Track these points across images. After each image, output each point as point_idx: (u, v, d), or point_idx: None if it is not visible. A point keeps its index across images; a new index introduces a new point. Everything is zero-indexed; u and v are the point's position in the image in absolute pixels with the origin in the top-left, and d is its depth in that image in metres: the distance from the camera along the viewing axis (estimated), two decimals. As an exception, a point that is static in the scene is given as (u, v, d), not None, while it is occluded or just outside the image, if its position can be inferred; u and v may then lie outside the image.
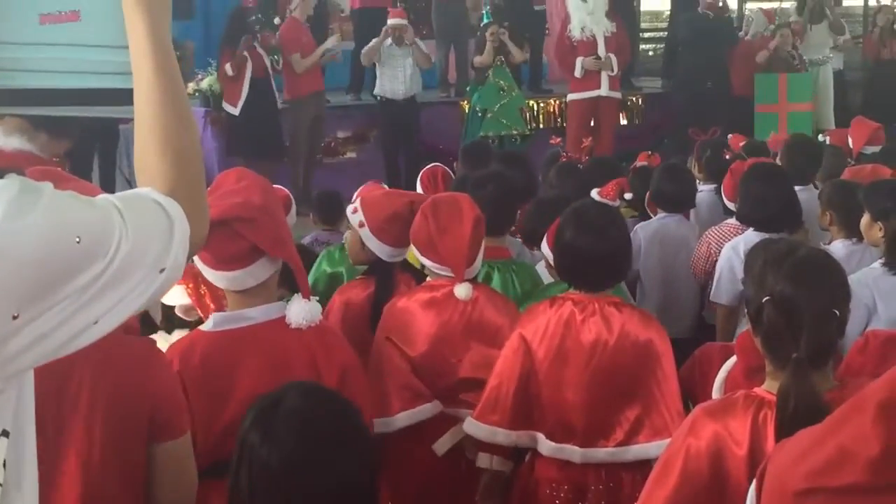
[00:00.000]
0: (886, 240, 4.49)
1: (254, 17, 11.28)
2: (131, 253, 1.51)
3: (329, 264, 5.00)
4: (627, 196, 4.29)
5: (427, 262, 4.03)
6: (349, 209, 4.40)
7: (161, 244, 1.57)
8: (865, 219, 4.66)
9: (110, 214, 1.52)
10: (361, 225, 4.24)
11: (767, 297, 2.61)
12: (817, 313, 2.56)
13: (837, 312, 2.60)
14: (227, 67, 11.04)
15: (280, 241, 3.13)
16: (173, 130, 1.70)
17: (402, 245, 4.21)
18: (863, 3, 19.95)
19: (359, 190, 5.36)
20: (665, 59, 15.04)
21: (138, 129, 1.72)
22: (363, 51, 11.87)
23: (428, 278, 4.11)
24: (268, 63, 11.21)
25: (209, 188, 3.20)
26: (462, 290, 3.88)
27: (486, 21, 12.43)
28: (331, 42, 11.88)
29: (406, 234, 4.10)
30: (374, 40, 11.76)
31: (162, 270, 1.57)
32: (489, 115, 11.79)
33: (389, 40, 11.71)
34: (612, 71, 11.59)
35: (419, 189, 6.28)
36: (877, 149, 7.56)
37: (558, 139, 8.46)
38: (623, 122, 13.30)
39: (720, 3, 12.93)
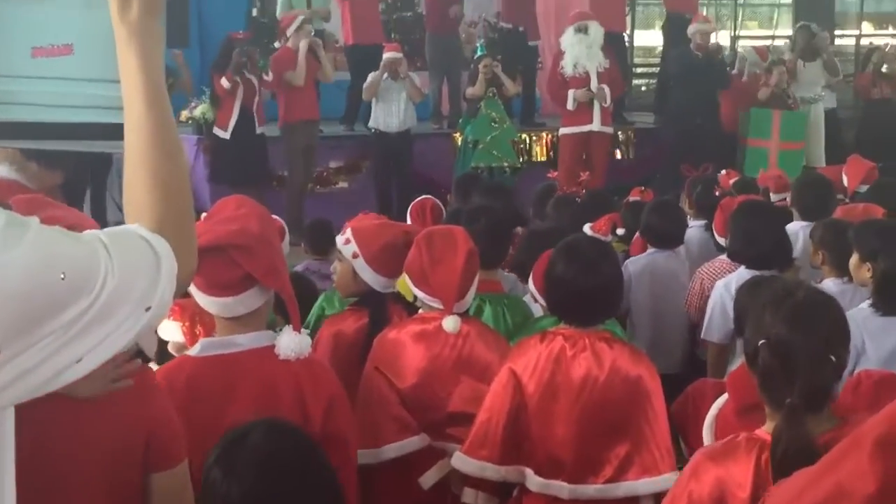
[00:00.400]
0: (875, 280, 4.49)
1: (241, 49, 11.26)
2: (117, 289, 1.50)
3: (329, 308, 4.89)
4: (620, 231, 4.29)
5: (419, 294, 4.01)
6: (340, 240, 4.36)
7: (147, 281, 1.56)
8: (854, 259, 4.67)
9: (96, 250, 1.50)
10: (355, 255, 4.22)
11: (763, 340, 2.60)
12: (812, 358, 2.56)
13: (834, 357, 2.59)
14: (223, 80, 11.05)
15: (275, 271, 3.12)
16: (163, 166, 1.69)
17: (396, 275, 4.19)
18: (854, 42, 20.12)
19: (349, 221, 5.35)
20: (657, 95, 15.08)
21: (128, 163, 1.70)
22: (364, 86, 11.89)
23: (420, 310, 4.09)
24: (256, 83, 11.21)
25: (207, 214, 3.20)
26: (450, 323, 3.87)
27: (479, 54, 12.48)
28: (303, 44, 11.75)
29: (400, 264, 4.08)
30: (372, 76, 11.79)
31: (148, 308, 1.55)
32: (480, 147, 11.82)
33: (386, 74, 11.74)
34: (606, 102, 11.62)
35: (409, 221, 6.28)
36: (863, 188, 7.59)
37: (555, 173, 8.46)
38: (617, 156, 13.37)
39: (711, 42, 12.93)
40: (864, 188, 7.59)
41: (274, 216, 5.52)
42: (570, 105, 11.49)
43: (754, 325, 2.69)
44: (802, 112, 12.75)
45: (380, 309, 4.24)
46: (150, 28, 1.66)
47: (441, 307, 3.93)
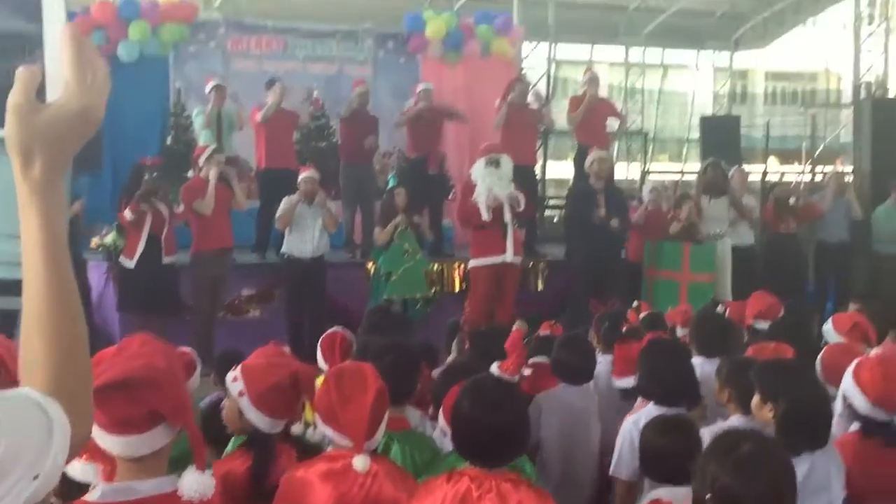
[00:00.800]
0: (776, 421, 4.54)
1: (151, 176, 11.26)
2: (4, 456, 1.45)
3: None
4: (526, 372, 4.31)
5: (328, 432, 3.99)
6: (229, 376, 4.31)
7: (38, 447, 1.51)
8: (756, 399, 4.71)
9: None
10: (241, 394, 4.17)
11: (709, 495, 2.61)
12: None
13: None
14: (127, 212, 11.03)
15: (181, 407, 3.06)
16: (59, 327, 1.66)
17: (282, 416, 4.17)
18: (760, 178, 20.62)
19: (255, 352, 5.32)
20: (564, 228, 15.28)
21: (25, 321, 1.67)
22: (278, 215, 11.89)
23: (329, 448, 4.05)
24: (165, 214, 11.19)
25: (111, 353, 3.15)
26: (360, 463, 3.83)
27: (391, 184, 12.60)
28: (213, 172, 11.72)
29: (287, 405, 4.08)
30: (286, 202, 11.82)
31: (36, 476, 1.50)
32: (393, 278, 11.85)
33: (299, 198, 11.77)
34: (519, 206, 11.68)
35: (319, 354, 6.24)
36: (767, 324, 7.67)
37: (461, 313, 8.51)
38: (538, 287, 13.52)
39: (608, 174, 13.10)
40: (760, 324, 7.70)
41: (184, 348, 5.52)
42: (484, 216, 11.51)
43: (699, 478, 2.70)
44: (712, 244, 12.96)
45: (265, 449, 4.18)
46: (53, 186, 1.64)
47: (349, 445, 3.90)
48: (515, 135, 13.74)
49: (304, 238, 11.85)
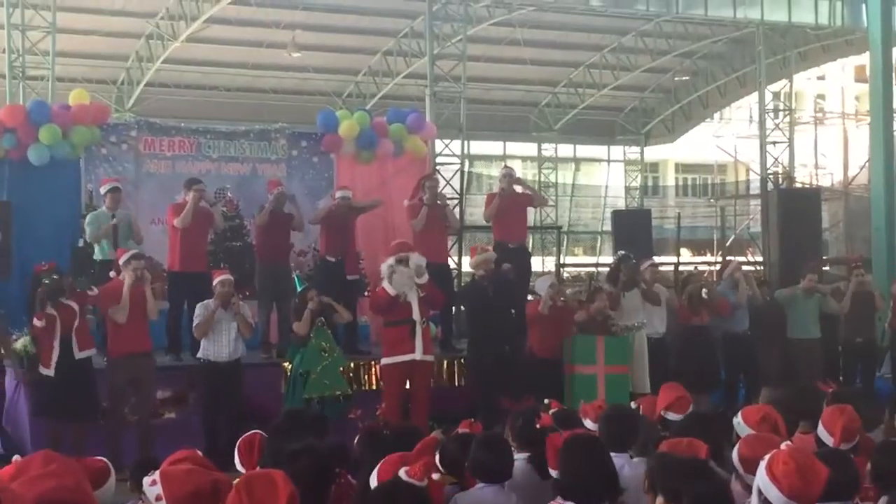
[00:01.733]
0: None
1: (48, 281, 11.14)
2: None
3: None
4: (435, 476, 4.28)
5: None
6: (147, 481, 4.21)
7: None
8: (660, 499, 4.70)
9: None
10: (159, 499, 4.08)
11: None
12: None
13: None
14: (36, 321, 10.92)
15: None
16: None
17: None
18: (673, 269, 20.93)
19: (170, 457, 5.23)
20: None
21: None
22: (196, 323, 11.74)
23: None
24: (75, 307, 11.07)
25: (10, 475, 3.09)
26: None
27: (299, 287, 12.53)
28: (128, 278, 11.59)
29: None
30: (202, 309, 11.72)
31: None
32: (312, 377, 11.77)
33: (215, 303, 11.69)
34: (424, 278, 11.75)
35: (237, 457, 6.16)
36: (679, 417, 7.69)
37: (358, 411, 8.40)
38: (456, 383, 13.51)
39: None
40: (671, 416, 7.71)
41: (101, 458, 5.42)
42: (390, 290, 11.68)
43: None
44: (625, 337, 13.04)
45: None
46: None
47: None
48: (428, 233, 13.89)
49: (221, 342, 11.74)
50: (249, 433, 6.53)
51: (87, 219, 13.26)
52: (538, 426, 6.96)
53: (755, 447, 5.46)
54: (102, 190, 13.31)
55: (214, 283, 11.81)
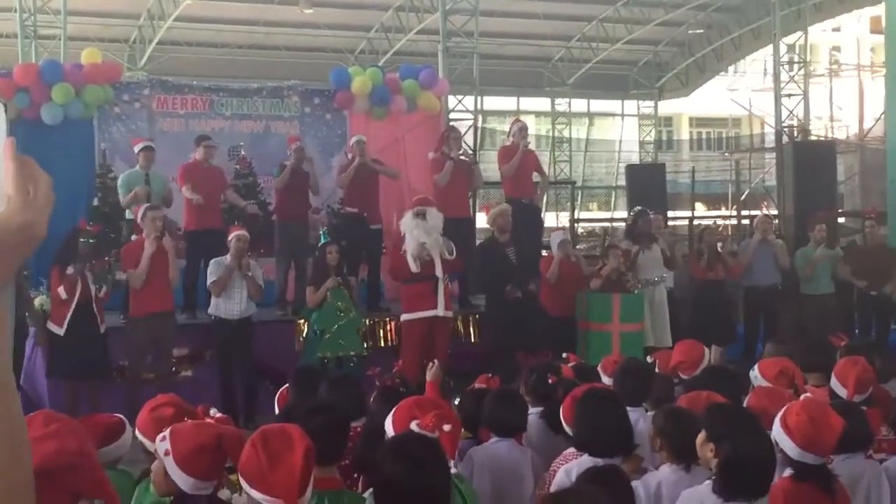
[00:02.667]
0: (718, 463, 4.57)
1: (88, 241, 11.20)
2: None
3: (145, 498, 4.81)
4: (446, 427, 4.31)
5: (257, 495, 3.93)
6: (159, 437, 4.30)
7: None
8: (702, 436, 4.74)
9: None
10: (167, 454, 4.15)
11: None
12: None
13: None
14: (60, 291, 10.94)
15: (99, 483, 3.04)
16: (2, 454, 1.62)
17: (206, 478, 4.15)
18: (688, 223, 20.91)
19: (148, 403, 5.29)
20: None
21: None
22: (213, 280, 11.73)
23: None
24: (93, 291, 11.10)
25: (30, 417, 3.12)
26: None
27: (323, 240, 12.54)
28: (149, 245, 11.63)
29: (211, 467, 4.08)
30: (215, 266, 11.74)
31: None
32: (327, 337, 11.80)
33: (229, 259, 11.71)
34: (452, 255, 11.75)
35: (276, 408, 6.26)
36: (696, 372, 7.71)
37: (377, 369, 8.43)
38: (472, 339, 13.53)
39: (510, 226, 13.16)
40: (688, 372, 7.73)
41: (119, 415, 5.48)
42: (412, 267, 11.60)
43: None
44: (640, 294, 13.05)
45: None
46: None
47: None
48: (449, 188, 13.83)
49: (233, 299, 11.78)
50: (286, 386, 6.64)
51: (119, 180, 13.16)
52: (553, 380, 6.99)
53: (764, 401, 5.49)
54: (136, 149, 13.24)
55: (230, 238, 11.83)
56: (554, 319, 12.87)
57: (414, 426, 4.34)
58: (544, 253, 14.52)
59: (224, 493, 4.35)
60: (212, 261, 11.85)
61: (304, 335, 12.24)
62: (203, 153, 13.35)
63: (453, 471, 4.88)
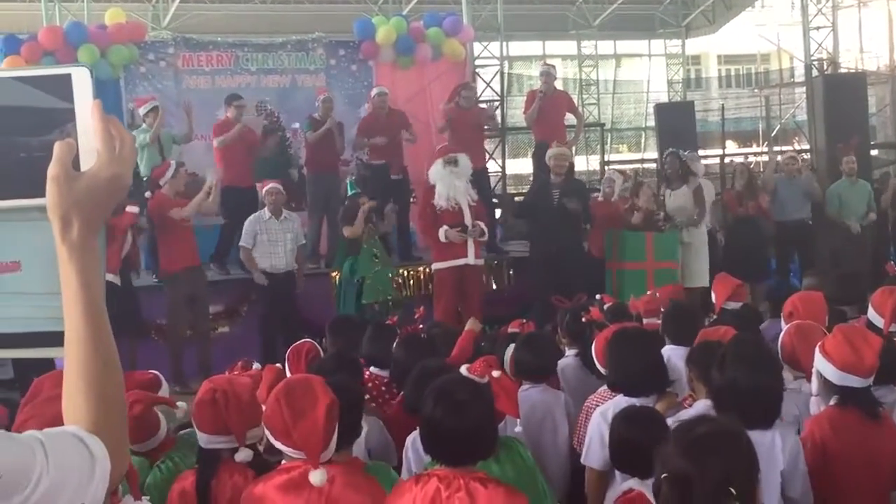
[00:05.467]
0: (709, 392, 4.63)
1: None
2: (49, 490, 1.57)
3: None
4: (496, 374, 4.31)
5: (282, 447, 3.98)
6: None
7: (81, 481, 1.64)
8: (693, 375, 4.74)
9: (33, 451, 1.59)
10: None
11: (665, 475, 2.65)
12: (710, 491, 2.59)
13: (735, 490, 2.63)
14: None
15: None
16: (99, 375, 1.78)
17: (214, 433, 4.27)
18: (719, 161, 20.75)
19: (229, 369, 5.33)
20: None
21: (67, 371, 1.80)
22: (247, 242, 11.88)
23: (283, 461, 4.06)
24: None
25: (25, 397, 3.17)
26: (316, 477, 3.80)
27: (351, 192, 12.55)
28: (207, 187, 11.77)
29: (214, 422, 4.23)
30: (251, 228, 11.83)
31: None
32: (367, 282, 11.84)
33: (268, 213, 11.77)
34: (484, 236, 11.76)
35: (287, 366, 6.24)
36: (737, 305, 7.72)
37: (394, 317, 8.41)
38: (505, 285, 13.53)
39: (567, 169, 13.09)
40: (731, 305, 7.73)
41: (154, 371, 5.52)
42: (441, 237, 11.59)
43: (660, 459, 2.74)
44: (674, 232, 13.01)
45: (206, 465, 4.30)
46: (89, 246, 1.78)
47: (304, 457, 3.90)
48: (462, 138, 13.76)
49: (277, 254, 11.87)
50: (298, 342, 6.62)
51: (139, 137, 13.11)
52: (584, 320, 7.00)
53: (795, 335, 5.46)
54: (142, 111, 13.20)
55: (264, 191, 11.89)
56: (593, 261, 12.87)
57: (463, 370, 4.36)
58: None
59: (242, 454, 4.41)
60: (248, 220, 11.90)
61: (336, 286, 12.27)
62: (234, 112, 13.39)
63: (518, 429, 4.91)
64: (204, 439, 4.28)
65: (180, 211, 11.44)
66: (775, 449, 4.37)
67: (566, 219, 12.51)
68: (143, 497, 3.05)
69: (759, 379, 4.46)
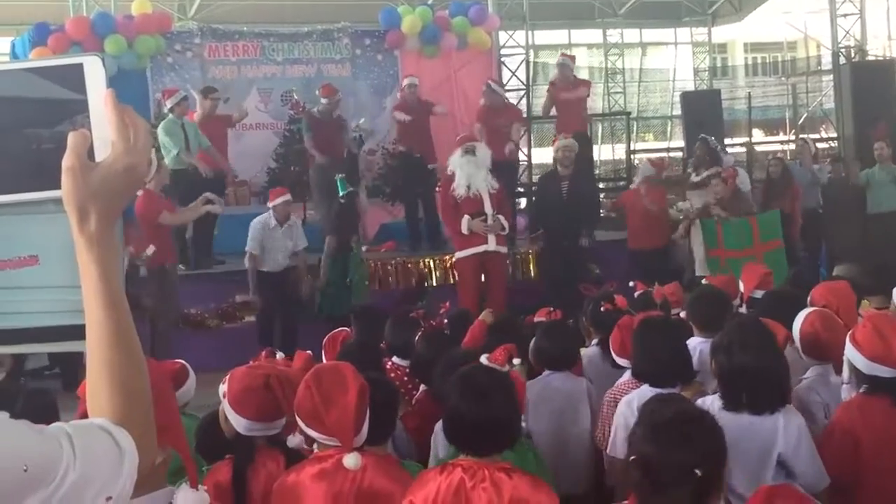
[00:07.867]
0: (718, 381, 4.63)
1: None
2: (77, 482, 1.55)
3: None
4: (516, 361, 4.33)
5: (314, 434, 3.99)
6: (222, 381, 4.45)
7: (109, 474, 1.62)
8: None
9: (60, 444, 1.57)
10: (224, 396, 4.32)
11: (632, 458, 2.67)
12: (675, 473, 2.61)
13: (700, 472, 2.64)
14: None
15: (170, 427, 3.05)
16: (123, 369, 1.78)
17: (259, 419, 4.24)
18: (746, 149, 20.70)
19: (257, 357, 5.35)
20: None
21: (89, 365, 1.79)
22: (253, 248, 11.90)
23: (315, 449, 4.08)
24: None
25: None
26: (351, 460, 3.84)
27: (341, 190, 12.39)
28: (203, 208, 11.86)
29: (259, 407, 4.18)
30: (256, 234, 11.82)
31: (109, 498, 1.61)
32: (356, 283, 12.17)
33: (273, 221, 11.81)
34: (504, 230, 11.76)
35: (323, 354, 6.28)
36: (763, 292, 7.67)
37: (420, 310, 8.43)
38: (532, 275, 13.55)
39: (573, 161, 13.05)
40: (759, 293, 7.68)
41: (180, 360, 5.54)
42: (463, 229, 11.59)
43: (630, 442, 2.76)
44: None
45: (244, 452, 4.25)
46: (107, 237, 1.76)
47: (337, 444, 3.92)
48: (489, 135, 13.70)
49: (276, 260, 11.93)
50: (336, 330, 6.66)
51: (160, 129, 12.89)
52: (602, 309, 6.97)
53: (816, 323, 5.43)
54: (169, 103, 13.01)
55: (274, 203, 11.87)
56: (636, 253, 12.86)
57: (483, 359, 4.37)
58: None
59: (295, 440, 4.43)
60: (252, 223, 11.95)
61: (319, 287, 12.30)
62: (209, 105, 13.48)
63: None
64: (244, 425, 4.23)
65: (169, 217, 11.52)
66: (777, 433, 4.38)
67: (575, 212, 12.52)
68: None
69: (763, 362, 4.49)
